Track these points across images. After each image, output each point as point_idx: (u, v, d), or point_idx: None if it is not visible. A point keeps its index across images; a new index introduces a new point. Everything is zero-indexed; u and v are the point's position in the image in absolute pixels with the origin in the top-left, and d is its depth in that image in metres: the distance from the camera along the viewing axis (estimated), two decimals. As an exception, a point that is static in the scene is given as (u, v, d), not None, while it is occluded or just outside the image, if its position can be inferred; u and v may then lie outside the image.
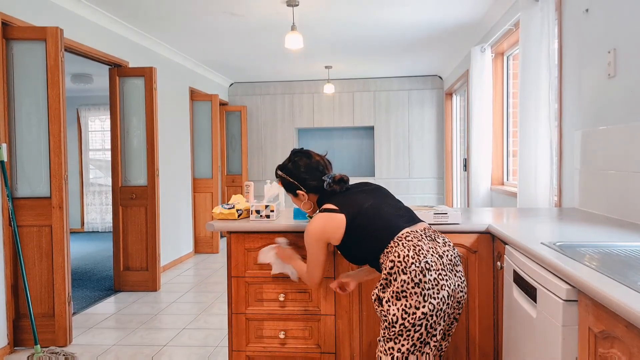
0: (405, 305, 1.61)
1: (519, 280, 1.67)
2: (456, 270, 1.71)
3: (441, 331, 1.67)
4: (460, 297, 1.71)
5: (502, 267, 1.99)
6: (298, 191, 1.96)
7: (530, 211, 2.62)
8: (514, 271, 1.73)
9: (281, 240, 2.13)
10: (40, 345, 3.26)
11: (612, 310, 1.05)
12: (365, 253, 1.78)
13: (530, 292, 1.56)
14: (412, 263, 1.63)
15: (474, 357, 2.20)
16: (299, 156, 1.97)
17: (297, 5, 4.10)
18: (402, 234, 1.72)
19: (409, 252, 1.65)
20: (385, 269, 1.68)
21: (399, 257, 1.65)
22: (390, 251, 1.69)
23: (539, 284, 1.47)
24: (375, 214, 1.80)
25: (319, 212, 1.86)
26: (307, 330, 2.25)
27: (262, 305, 2.26)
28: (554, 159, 3.04)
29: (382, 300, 1.70)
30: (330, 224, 1.81)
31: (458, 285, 1.70)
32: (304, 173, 1.94)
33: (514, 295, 1.73)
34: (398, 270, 1.64)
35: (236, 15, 4.45)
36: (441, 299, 1.63)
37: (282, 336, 2.24)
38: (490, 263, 2.16)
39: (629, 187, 2.16)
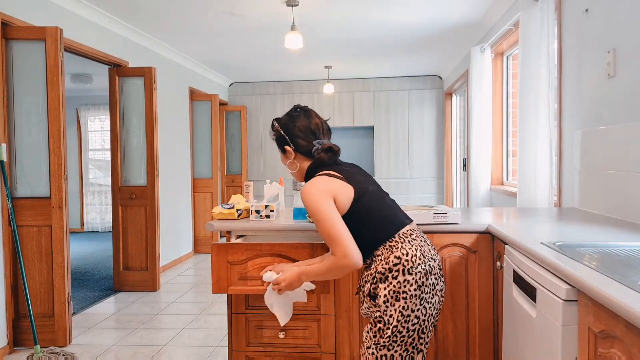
0: (404, 308, 1.56)
1: (519, 280, 1.67)
2: (441, 275, 1.70)
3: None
4: (442, 302, 1.70)
5: (501, 267, 1.99)
6: (286, 147, 1.78)
7: (530, 211, 2.62)
8: (514, 271, 1.73)
9: (267, 275, 1.74)
10: (40, 345, 3.26)
11: (611, 310, 1.05)
12: (362, 241, 1.63)
13: (530, 292, 1.56)
14: (419, 264, 1.59)
15: (474, 357, 2.20)
16: (298, 113, 1.80)
17: (297, 5, 4.10)
18: (407, 231, 1.66)
19: (416, 252, 1.60)
20: (387, 263, 1.59)
21: (406, 255, 1.58)
22: (395, 246, 1.60)
23: (539, 283, 1.47)
24: (380, 201, 1.69)
25: (319, 175, 1.68)
26: (307, 330, 2.25)
27: (262, 305, 2.26)
28: (554, 159, 3.04)
29: (375, 297, 1.61)
30: (336, 186, 1.63)
31: (442, 289, 1.69)
32: (297, 130, 1.76)
33: (514, 295, 1.73)
34: (403, 270, 1.57)
35: (236, 15, 4.45)
36: (433, 305, 1.62)
37: (281, 336, 2.24)
38: (490, 263, 2.16)
39: (628, 187, 2.16)
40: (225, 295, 4.55)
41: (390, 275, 1.58)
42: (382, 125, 7.95)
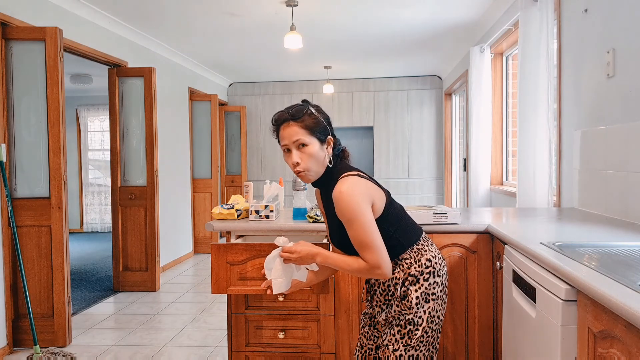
0: (432, 309, 1.60)
1: (518, 280, 1.67)
2: None
3: None
4: None
5: (501, 267, 1.99)
6: (329, 137, 1.59)
7: (530, 211, 2.62)
8: (513, 271, 1.73)
9: (281, 240, 1.59)
10: (39, 345, 3.26)
11: (611, 310, 1.05)
12: (392, 245, 1.58)
13: (529, 292, 1.56)
14: (442, 267, 1.65)
15: (474, 357, 2.20)
16: (317, 106, 1.63)
17: (297, 5, 4.10)
18: (425, 235, 1.70)
19: (437, 254, 1.66)
20: (420, 266, 1.59)
21: (435, 258, 1.63)
22: (422, 249, 1.63)
23: (538, 284, 1.47)
24: (402, 208, 1.69)
25: (350, 175, 1.54)
26: (307, 330, 2.25)
27: (262, 305, 2.26)
28: (553, 159, 3.04)
29: (407, 298, 1.58)
30: (373, 190, 1.56)
31: None
32: (329, 122, 1.62)
33: (513, 295, 1.73)
34: (433, 272, 1.61)
35: (236, 15, 4.45)
36: (446, 305, 1.69)
37: (281, 336, 2.24)
38: (490, 263, 2.16)
39: (628, 187, 2.16)
40: (224, 296, 4.55)
41: (421, 277, 1.60)
42: (382, 126, 7.95)
